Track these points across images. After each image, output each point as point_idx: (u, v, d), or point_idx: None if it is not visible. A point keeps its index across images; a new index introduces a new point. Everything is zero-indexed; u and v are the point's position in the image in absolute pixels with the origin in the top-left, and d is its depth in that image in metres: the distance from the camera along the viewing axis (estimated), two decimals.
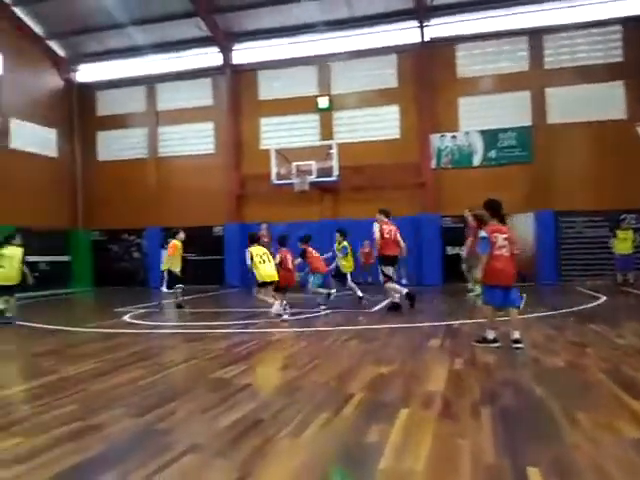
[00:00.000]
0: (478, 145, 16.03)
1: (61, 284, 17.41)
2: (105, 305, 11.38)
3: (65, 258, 18.41)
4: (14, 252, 9.50)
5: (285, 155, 15.87)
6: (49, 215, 17.72)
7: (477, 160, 16.06)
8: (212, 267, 17.81)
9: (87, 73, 19.69)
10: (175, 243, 10.91)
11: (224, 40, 17.70)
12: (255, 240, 9.07)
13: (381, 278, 9.21)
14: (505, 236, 5.72)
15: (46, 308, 12.16)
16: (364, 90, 16.89)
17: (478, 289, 9.54)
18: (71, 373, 5.11)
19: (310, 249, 9.89)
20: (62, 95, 19.20)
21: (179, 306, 10.71)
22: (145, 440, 3.20)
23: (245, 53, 18.10)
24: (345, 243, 10.60)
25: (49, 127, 18.53)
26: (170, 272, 10.85)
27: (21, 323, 9.09)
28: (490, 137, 15.91)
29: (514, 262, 5.74)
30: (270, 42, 17.75)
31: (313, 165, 15.47)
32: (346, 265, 10.65)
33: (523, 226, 14.77)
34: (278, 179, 15.77)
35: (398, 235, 9.26)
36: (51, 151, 18.62)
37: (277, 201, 16.83)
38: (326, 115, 17.14)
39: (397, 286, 9.41)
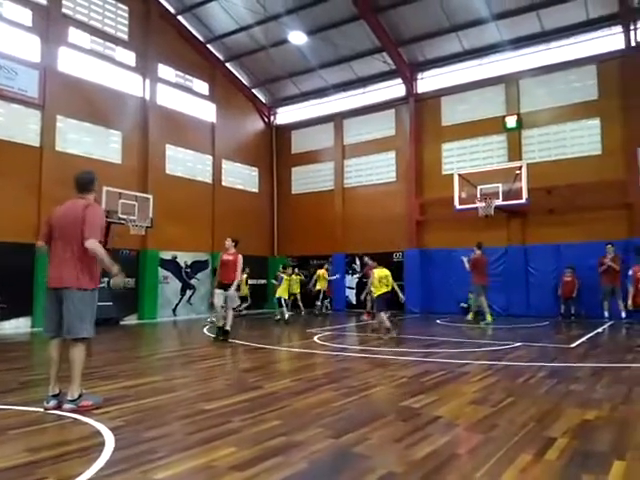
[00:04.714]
0: None
1: (259, 305, 19.24)
2: (296, 326, 12.25)
3: (263, 282, 20.33)
4: None
5: (468, 179, 15.45)
6: (251, 244, 19.77)
7: None
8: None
9: (284, 115, 21.84)
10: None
11: (408, 71, 18.11)
12: None
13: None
14: None
15: (249, 326, 13.54)
16: (557, 105, 15.68)
17: None
18: (272, 389, 5.60)
19: None
20: (263, 137, 21.57)
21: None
22: (344, 462, 3.35)
23: (428, 81, 18.26)
24: None
25: (252, 166, 20.94)
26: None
27: (232, 340, 10.29)
28: None
29: None
30: (454, 67, 17.66)
31: (500, 188, 14.76)
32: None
33: None
34: (461, 204, 15.38)
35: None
36: (253, 187, 21.00)
37: (460, 226, 16.45)
38: (514, 135, 16.29)
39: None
